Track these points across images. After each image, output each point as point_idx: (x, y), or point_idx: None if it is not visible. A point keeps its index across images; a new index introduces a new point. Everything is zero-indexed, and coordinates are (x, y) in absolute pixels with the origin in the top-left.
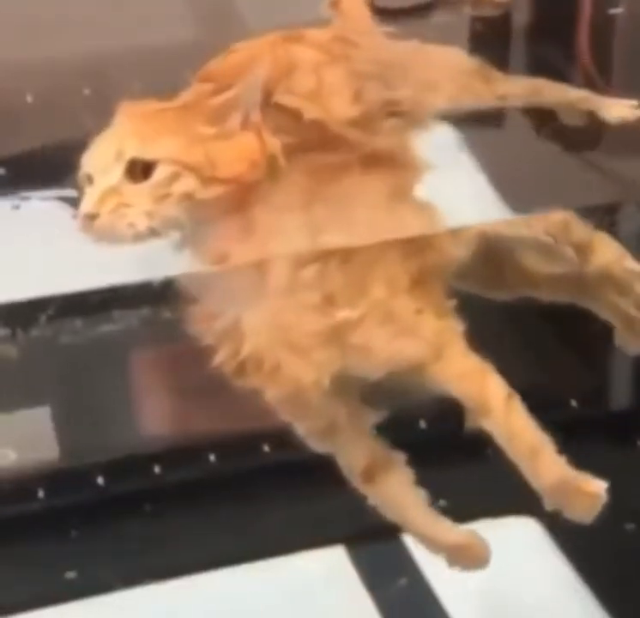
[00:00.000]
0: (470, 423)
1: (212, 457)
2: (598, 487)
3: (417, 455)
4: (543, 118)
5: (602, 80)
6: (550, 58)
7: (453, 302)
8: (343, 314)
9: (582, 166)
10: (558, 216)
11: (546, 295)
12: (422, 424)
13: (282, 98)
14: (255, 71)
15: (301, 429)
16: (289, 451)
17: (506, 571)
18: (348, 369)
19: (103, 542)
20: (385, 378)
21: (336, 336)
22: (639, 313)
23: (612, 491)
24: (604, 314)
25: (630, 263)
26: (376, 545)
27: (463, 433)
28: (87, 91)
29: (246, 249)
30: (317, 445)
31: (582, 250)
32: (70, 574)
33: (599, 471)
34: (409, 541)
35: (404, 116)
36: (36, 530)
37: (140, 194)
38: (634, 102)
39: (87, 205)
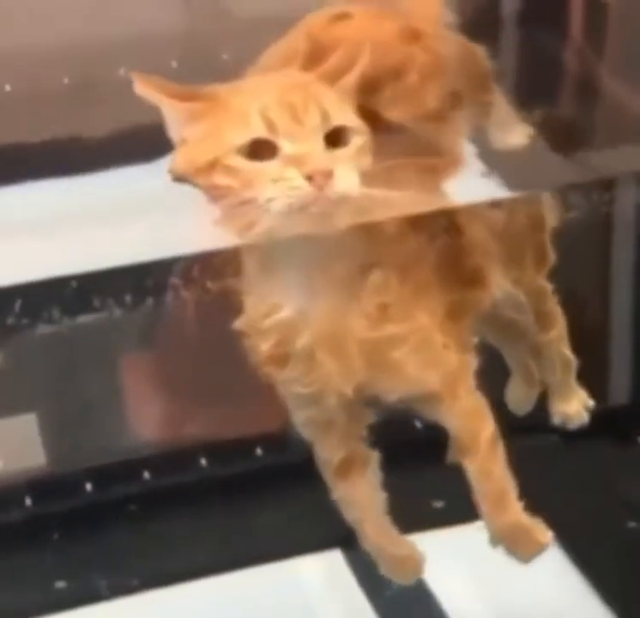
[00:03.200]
0: (452, 457)
1: (204, 462)
2: (546, 537)
3: (413, 456)
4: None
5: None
6: (543, 43)
7: (476, 339)
8: (392, 329)
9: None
10: (540, 283)
11: (480, 330)
12: (417, 424)
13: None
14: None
15: (299, 418)
16: (283, 453)
17: (505, 571)
18: (372, 383)
19: (93, 550)
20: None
21: (378, 349)
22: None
23: (613, 488)
24: (515, 368)
25: (565, 349)
26: None
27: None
28: (69, 80)
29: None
30: (306, 433)
31: (542, 319)
32: (60, 584)
33: (599, 468)
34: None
35: (462, 110)
36: (23, 539)
37: (337, 159)
38: (530, 131)
39: (322, 160)
